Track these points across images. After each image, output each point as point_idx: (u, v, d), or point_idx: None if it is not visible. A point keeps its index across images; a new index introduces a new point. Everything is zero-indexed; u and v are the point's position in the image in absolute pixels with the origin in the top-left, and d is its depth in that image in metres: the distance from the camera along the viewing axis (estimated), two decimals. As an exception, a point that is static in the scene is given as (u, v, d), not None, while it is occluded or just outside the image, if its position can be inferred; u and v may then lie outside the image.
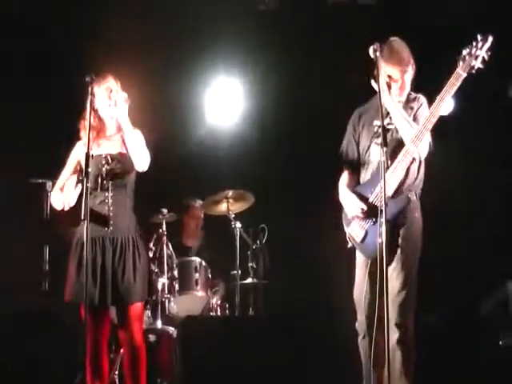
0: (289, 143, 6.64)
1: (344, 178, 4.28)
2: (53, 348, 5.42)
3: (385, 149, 3.55)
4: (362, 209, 4.03)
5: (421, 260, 4.01)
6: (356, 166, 4.23)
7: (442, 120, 3.91)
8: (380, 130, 3.97)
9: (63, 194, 4.16)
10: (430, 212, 5.88)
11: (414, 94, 4.11)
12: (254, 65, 6.64)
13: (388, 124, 4.07)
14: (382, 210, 3.57)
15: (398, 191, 3.94)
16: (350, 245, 4.16)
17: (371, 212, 4.01)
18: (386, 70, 3.99)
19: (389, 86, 4.01)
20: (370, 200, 4.03)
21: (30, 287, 5.43)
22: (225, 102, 6.93)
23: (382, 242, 3.52)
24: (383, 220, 3.52)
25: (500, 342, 5.27)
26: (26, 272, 5.56)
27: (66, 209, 4.14)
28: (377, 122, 4.08)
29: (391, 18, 6.03)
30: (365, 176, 4.15)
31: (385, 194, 3.58)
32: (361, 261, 4.10)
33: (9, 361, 5.41)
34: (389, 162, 3.90)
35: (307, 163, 4.34)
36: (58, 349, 5.41)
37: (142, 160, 4.15)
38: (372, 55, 3.81)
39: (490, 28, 3.83)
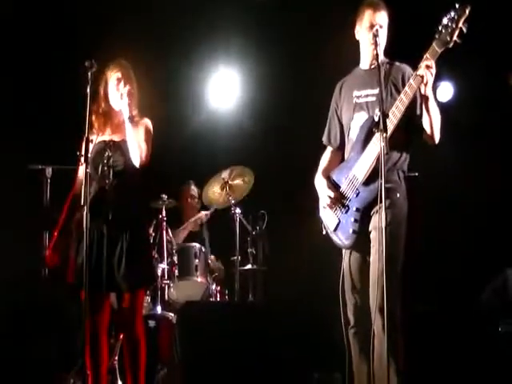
0: (289, 130, 6.64)
1: (325, 156, 4.16)
2: (53, 335, 5.43)
3: (384, 134, 3.38)
4: (331, 198, 3.89)
5: (420, 248, 3.94)
6: (339, 143, 4.08)
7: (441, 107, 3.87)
8: (360, 101, 3.88)
9: None
10: (429, 201, 5.91)
11: (397, 63, 3.91)
12: (253, 53, 6.63)
13: (367, 95, 3.90)
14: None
15: (374, 175, 3.66)
16: (324, 232, 4.02)
17: (341, 202, 3.86)
18: (376, 18, 3.84)
19: (375, 43, 3.72)
20: (342, 189, 3.89)
21: (30, 274, 5.42)
22: (224, 89, 6.92)
23: (383, 229, 3.38)
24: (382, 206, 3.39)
25: (499, 329, 5.28)
26: (26, 258, 5.55)
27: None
28: (356, 93, 3.94)
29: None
30: (348, 155, 3.98)
31: (383, 183, 3.41)
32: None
33: (8, 348, 5.45)
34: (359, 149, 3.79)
35: (307, 149, 4.35)
36: (57, 335, 5.43)
37: (137, 155, 4.08)
38: (372, 40, 3.75)
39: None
